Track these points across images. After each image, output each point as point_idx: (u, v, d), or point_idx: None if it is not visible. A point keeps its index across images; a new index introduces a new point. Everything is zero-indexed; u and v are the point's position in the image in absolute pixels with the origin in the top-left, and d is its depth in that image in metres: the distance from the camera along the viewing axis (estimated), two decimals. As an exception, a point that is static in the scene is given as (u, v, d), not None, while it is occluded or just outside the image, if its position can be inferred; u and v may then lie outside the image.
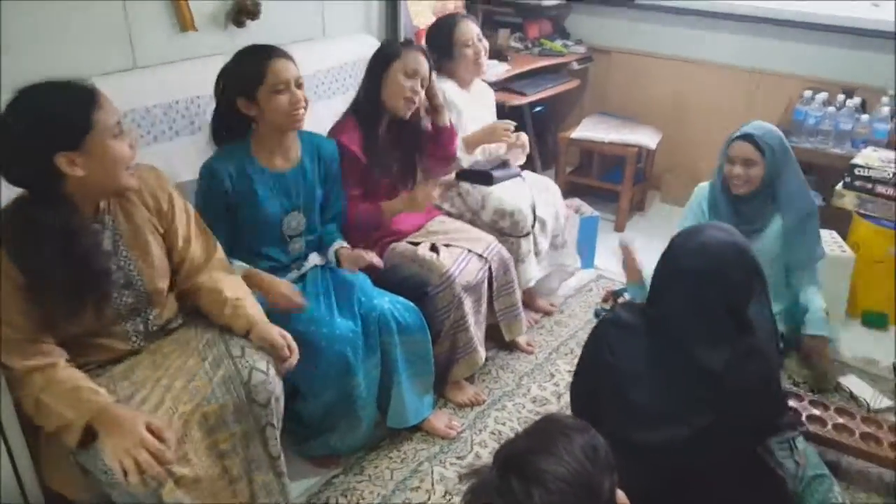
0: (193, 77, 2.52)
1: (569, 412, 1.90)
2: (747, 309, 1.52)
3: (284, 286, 1.88)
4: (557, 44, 3.82)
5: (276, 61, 1.88)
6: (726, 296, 1.50)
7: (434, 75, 2.38)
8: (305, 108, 1.93)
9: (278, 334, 1.66)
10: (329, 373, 1.88)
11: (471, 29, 2.63)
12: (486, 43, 2.67)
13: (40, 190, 1.45)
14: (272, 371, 1.62)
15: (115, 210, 1.59)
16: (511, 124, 2.61)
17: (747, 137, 2.16)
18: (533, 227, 2.57)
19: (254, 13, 2.76)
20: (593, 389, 1.63)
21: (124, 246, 1.60)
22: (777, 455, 1.58)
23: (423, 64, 2.25)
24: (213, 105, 2.55)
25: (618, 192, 3.56)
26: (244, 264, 1.93)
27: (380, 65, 2.25)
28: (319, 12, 3.14)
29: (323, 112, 2.90)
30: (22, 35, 2.13)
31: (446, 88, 2.57)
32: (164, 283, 1.67)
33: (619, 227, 3.56)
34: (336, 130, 2.27)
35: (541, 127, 3.98)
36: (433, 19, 3.62)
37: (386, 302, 2.02)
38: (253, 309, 1.70)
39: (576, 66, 3.80)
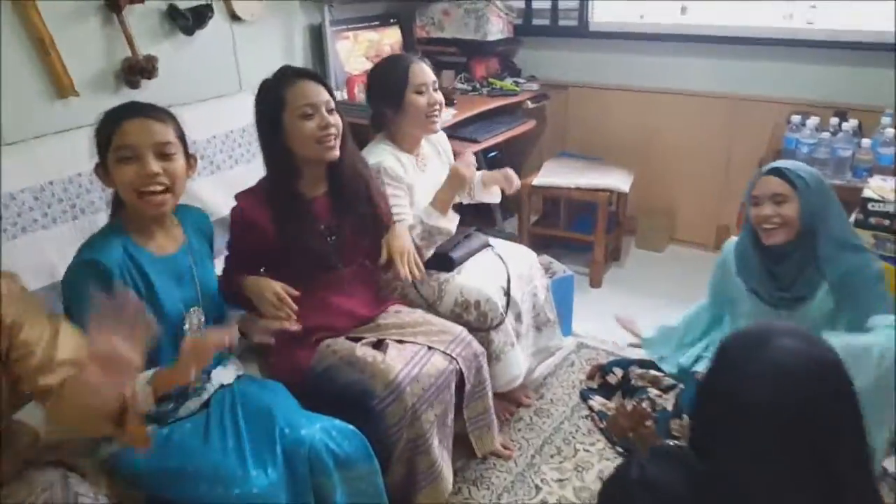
0: (74, 151, 2.08)
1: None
2: (839, 456, 1.04)
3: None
4: (508, 82, 3.46)
5: (127, 123, 1.47)
6: (813, 441, 1.00)
7: None
8: (162, 185, 1.48)
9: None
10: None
11: (426, 73, 2.14)
12: (441, 96, 2.18)
13: None
14: None
15: None
16: (471, 154, 2.17)
17: (774, 171, 1.79)
18: (506, 313, 2.12)
19: (150, 71, 2.35)
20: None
21: None
22: None
23: (322, 92, 1.78)
24: (97, 182, 2.12)
25: (589, 242, 3.16)
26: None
27: (268, 117, 1.79)
28: (233, 65, 2.74)
29: (239, 178, 2.47)
30: None
31: (386, 161, 2.07)
32: None
33: (595, 282, 3.16)
34: (239, 196, 1.83)
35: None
36: (368, 64, 3.24)
37: (317, 430, 1.54)
38: None
39: (530, 104, 3.43)
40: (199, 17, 2.52)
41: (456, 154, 2.33)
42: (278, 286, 1.72)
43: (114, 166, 1.47)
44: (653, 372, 2.27)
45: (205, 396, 1.59)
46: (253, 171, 2.53)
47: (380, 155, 2.10)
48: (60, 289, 1.50)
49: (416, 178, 2.17)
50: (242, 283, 1.76)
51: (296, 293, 1.72)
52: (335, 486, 1.53)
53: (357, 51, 3.29)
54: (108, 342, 1.13)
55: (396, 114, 2.13)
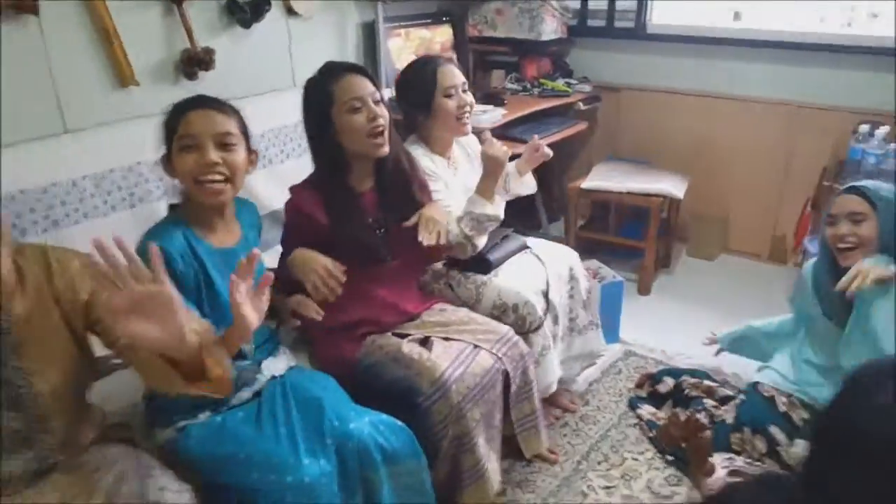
0: (134, 140, 2.12)
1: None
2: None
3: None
4: (560, 83, 3.42)
5: (192, 114, 1.50)
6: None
7: None
8: (221, 175, 1.48)
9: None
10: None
11: (455, 75, 2.12)
12: (471, 98, 2.15)
13: None
14: None
15: (12, 307, 1.21)
16: (498, 143, 2.08)
17: (853, 189, 1.72)
18: (545, 316, 2.08)
19: (207, 63, 2.37)
20: None
21: (15, 354, 1.21)
22: None
23: (368, 85, 1.78)
24: (156, 171, 2.16)
25: (638, 249, 3.10)
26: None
27: (316, 112, 1.79)
28: (287, 60, 2.76)
29: (291, 172, 2.49)
30: None
31: (420, 161, 2.05)
32: (69, 402, 1.30)
33: (644, 289, 3.09)
34: (295, 189, 1.85)
35: (544, 176, 3.54)
36: (415, 63, 3.24)
37: (365, 424, 1.53)
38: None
39: (582, 106, 3.38)
40: (256, 11, 2.54)
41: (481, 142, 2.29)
42: (328, 261, 1.71)
43: (176, 155, 1.49)
44: (707, 382, 2.22)
45: (256, 386, 1.59)
46: (304, 165, 2.52)
47: (413, 153, 2.09)
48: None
49: (448, 179, 2.15)
50: (290, 261, 1.76)
51: (343, 268, 1.71)
52: (382, 480, 1.53)
53: (408, 48, 3.28)
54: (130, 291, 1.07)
55: (427, 117, 2.12)
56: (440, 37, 3.45)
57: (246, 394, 1.58)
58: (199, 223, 1.54)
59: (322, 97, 1.77)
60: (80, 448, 1.34)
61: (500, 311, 2.04)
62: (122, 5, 2.16)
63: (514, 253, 2.21)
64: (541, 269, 2.16)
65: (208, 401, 1.50)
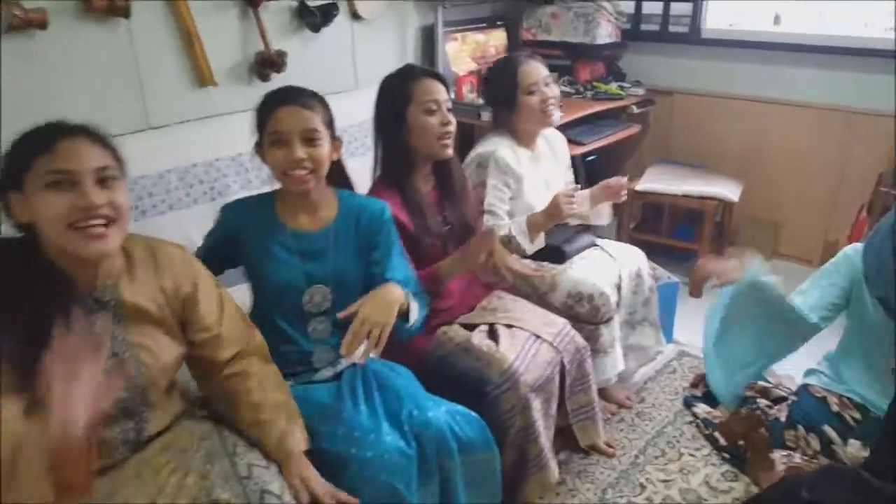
0: (212, 137, 2.24)
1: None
2: None
3: None
4: (613, 86, 3.47)
5: (280, 111, 1.60)
6: None
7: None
8: (307, 170, 1.57)
9: (326, 492, 1.35)
10: (374, 508, 1.47)
11: (536, 71, 2.21)
12: (555, 89, 2.25)
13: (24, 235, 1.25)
14: (287, 496, 1.33)
15: (121, 288, 1.31)
16: (573, 189, 2.18)
17: None
18: (617, 308, 2.14)
19: (280, 65, 2.48)
20: None
21: (122, 329, 1.30)
22: None
23: (443, 90, 1.87)
24: (233, 166, 2.26)
25: (689, 251, 3.13)
26: None
27: (391, 110, 1.88)
28: (350, 63, 2.86)
29: (357, 169, 2.57)
30: (28, 92, 1.93)
31: (499, 150, 2.16)
32: (166, 379, 1.38)
33: (695, 292, 3.11)
34: (371, 193, 1.93)
35: (594, 178, 3.59)
36: (473, 66, 3.32)
37: (443, 413, 1.60)
38: (289, 427, 1.41)
39: (635, 109, 3.42)
40: (325, 15, 2.63)
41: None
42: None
43: (267, 148, 1.59)
44: (760, 382, 2.25)
45: (338, 368, 1.68)
46: (365, 164, 2.59)
47: (495, 145, 2.19)
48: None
49: (529, 170, 2.23)
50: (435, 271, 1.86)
51: None
52: (457, 468, 1.59)
53: (464, 51, 3.36)
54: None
55: (511, 113, 2.22)
56: (494, 40, 3.52)
57: (328, 372, 1.67)
58: (284, 204, 1.66)
59: (399, 96, 1.85)
60: (170, 422, 1.41)
61: (575, 301, 2.10)
62: (203, 8, 2.27)
63: (584, 248, 2.29)
64: (613, 264, 2.23)
65: (292, 370, 1.63)
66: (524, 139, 2.27)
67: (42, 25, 1.88)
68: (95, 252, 1.21)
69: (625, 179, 2.32)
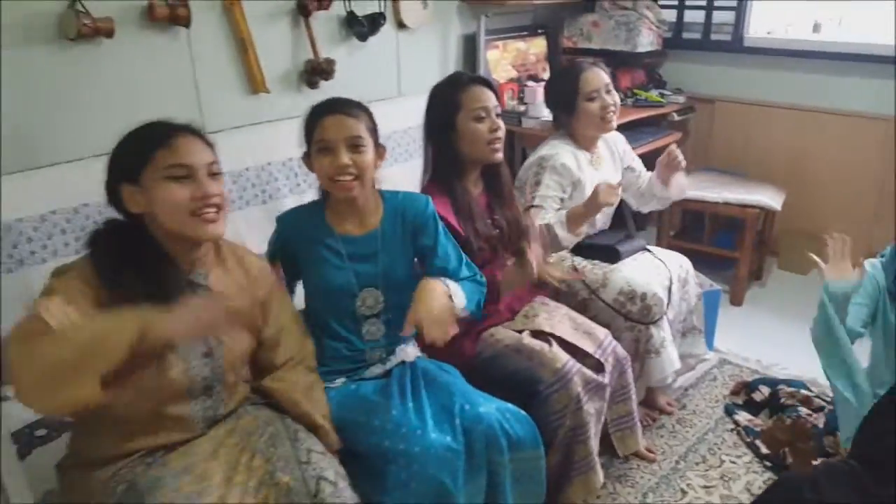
0: (264, 142, 2.31)
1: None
2: None
3: None
4: (654, 93, 3.48)
5: (327, 119, 1.67)
6: None
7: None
8: (352, 176, 1.63)
9: None
10: (420, 502, 1.51)
11: (598, 78, 2.26)
12: (615, 96, 2.29)
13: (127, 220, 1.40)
14: (342, 483, 1.40)
15: (211, 277, 1.45)
16: (615, 181, 2.22)
17: None
18: (667, 310, 2.16)
19: (328, 73, 2.54)
20: None
21: None
22: None
23: (493, 98, 1.92)
24: (283, 171, 2.33)
25: (730, 259, 3.12)
26: None
27: (441, 117, 1.94)
28: (395, 71, 2.92)
29: (400, 175, 2.65)
30: (94, 97, 2.02)
31: (561, 155, 2.22)
32: (242, 364, 1.52)
33: (736, 300, 3.12)
34: (427, 192, 1.98)
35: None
36: (513, 73, 3.36)
37: (494, 410, 1.63)
38: (324, 423, 1.53)
39: (676, 117, 3.43)
40: (373, 24, 2.69)
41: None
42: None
43: (314, 155, 1.66)
44: (804, 391, 2.25)
45: (388, 366, 1.73)
46: (407, 170, 2.68)
47: (556, 148, 2.25)
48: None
49: (589, 174, 2.27)
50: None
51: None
52: (505, 465, 1.62)
53: (505, 59, 3.40)
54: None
55: (571, 118, 2.28)
56: (535, 48, 3.55)
57: (378, 369, 1.72)
58: (333, 210, 1.72)
59: (449, 104, 1.90)
60: (235, 406, 1.50)
61: (627, 298, 2.11)
62: (258, 17, 2.35)
63: (635, 251, 2.31)
64: (663, 268, 2.26)
65: (344, 367, 1.70)
66: (584, 143, 2.32)
67: (109, 34, 1.97)
68: (212, 234, 1.37)
69: (673, 146, 2.37)
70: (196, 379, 1.39)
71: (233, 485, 1.32)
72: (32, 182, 1.84)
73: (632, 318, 2.08)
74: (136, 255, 1.34)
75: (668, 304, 2.17)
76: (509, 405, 1.67)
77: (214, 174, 1.38)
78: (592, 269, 2.21)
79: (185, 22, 2.13)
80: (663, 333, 2.14)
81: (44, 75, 1.91)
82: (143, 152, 1.32)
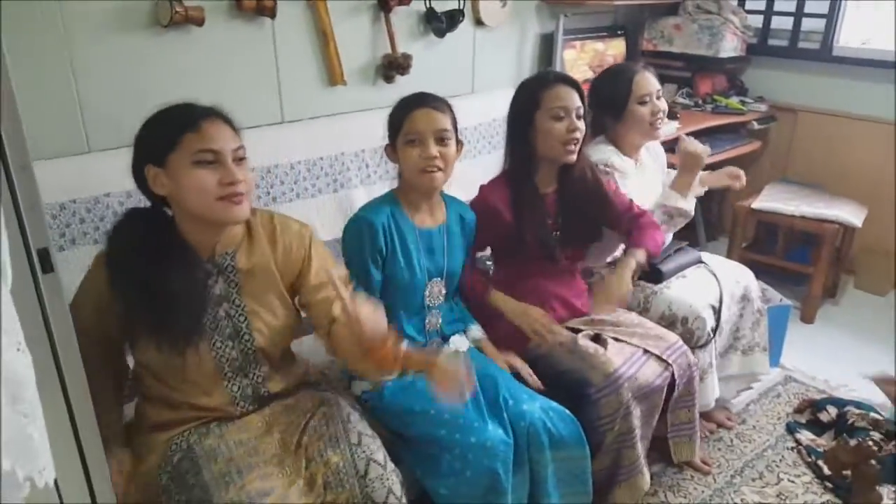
0: (339, 133, 2.38)
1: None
2: None
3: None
4: (734, 100, 3.39)
5: (416, 112, 1.70)
6: None
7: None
8: (439, 168, 1.69)
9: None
10: (473, 491, 1.54)
11: (651, 82, 2.21)
12: (664, 103, 2.24)
13: (153, 205, 1.42)
14: (390, 465, 1.45)
15: (238, 254, 1.45)
16: (697, 142, 2.18)
17: None
18: (714, 333, 2.10)
19: (405, 67, 2.59)
20: None
21: (238, 294, 1.45)
22: None
23: (575, 98, 1.91)
24: (356, 162, 2.39)
25: (803, 275, 3.02)
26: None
27: (521, 113, 1.95)
28: (469, 67, 2.94)
29: (470, 171, 2.68)
30: (182, 82, 2.10)
31: (609, 156, 2.19)
32: (278, 344, 1.52)
33: (808, 318, 3.01)
34: (484, 187, 2.01)
35: (707, 193, 3.51)
36: (589, 74, 3.33)
37: (537, 408, 1.66)
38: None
39: (756, 125, 3.34)
40: (451, 21, 2.72)
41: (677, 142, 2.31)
42: (541, 314, 1.87)
43: (402, 147, 1.70)
44: (874, 415, 2.17)
45: (444, 356, 1.77)
46: (476, 166, 2.71)
47: (604, 153, 2.21)
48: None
49: (633, 181, 2.22)
50: (494, 300, 1.92)
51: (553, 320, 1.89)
52: (547, 463, 1.64)
53: (581, 59, 3.38)
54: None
55: (619, 122, 2.23)
56: (613, 49, 3.52)
57: (434, 360, 1.76)
58: (408, 204, 1.76)
59: (530, 101, 1.92)
60: (287, 386, 1.55)
61: (668, 323, 2.08)
62: (340, 10, 2.41)
63: (686, 266, 2.25)
64: (714, 284, 2.19)
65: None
66: (627, 148, 2.26)
67: (199, 22, 2.06)
68: (238, 217, 1.37)
69: (742, 175, 2.39)
70: (223, 361, 1.44)
71: (283, 462, 1.38)
72: (118, 160, 1.93)
73: None
74: (157, 240, 1.36)
75: (716, 324, 2.11)
76: (553, 403, 1.69)
77: (240, 159, 1.38)
78: (634, 290, 2.12)
79: (271, 13, 2.21)
80: (707, 358, 2.08)
81: (137, 59, 2.01)
82: (171, 135, 1.32)
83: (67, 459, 1.02)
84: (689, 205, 2.13)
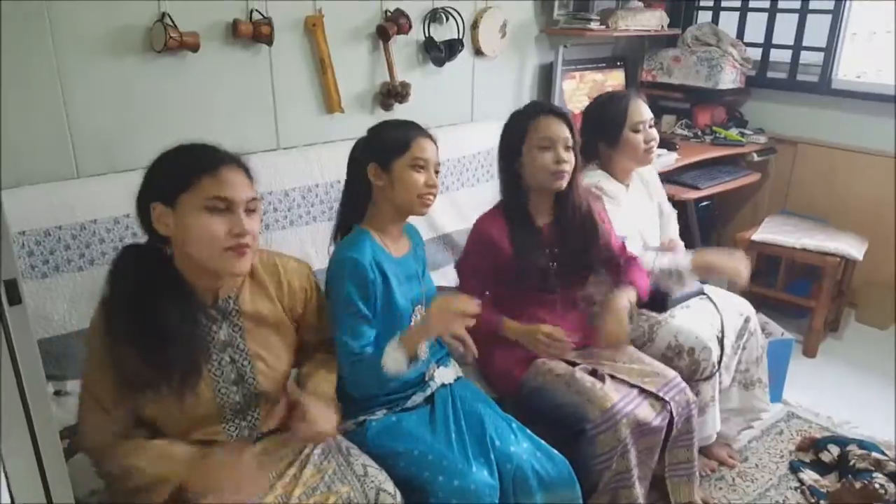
0: (334, 161, 2.35)
1: None
2: None
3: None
4: (734, 132, 3.38)
5: (422, 139, 1.68)
6: None
7: None
8: (435, 196, 1.69)
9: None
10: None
11: (645, 110, 2.21)
12: (656, 133, 2.23)
13: (150, 241, 1.36)
14: (399, 497, 1.43)
15: (241, 297, 1.42)
16: (649, 214, 2.20)
17: None
18: (718, 365, 2.06)
19: (403, 96, 2.58)
20: None
21: (242, 338, 1.41)
22: None
23: (563, 129, 1.87)
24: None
25: (804, 308, 2.98)
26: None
27: (510, 144, 1.93)
28: (468, 97, 2.94)
29: (464, 200, 2.66)
30: (176, 108, 2.09)
31: (599, 180, 2.18)
32: (279, 386, 1.49)
33: (810, 352, 2.96)
34: (480, 219, 1.98)
35: (707, 225, 3.50)
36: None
37: (524, 450, 1.60)
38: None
39: (756, 157, 3.32)
40: (451, 50, 2.72)
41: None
42: (544, 327, 1.84)
43: (404, 171, 1.64)
44: (876, 455, 2.11)
45: (428, 392, 1.71)
46: (477, 194, 2.69)
47: (596, 177, 2.19)
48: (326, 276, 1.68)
49: (624, 207, 2.20)
50: (499, 324, 1.89)
51: (562, 331, 1.85)
52: (537, 505, 1.58)
53: (580, 90, 3.38)
54: None
55: (612, 148, 2.21)
56: (612, 80, 3.51)
57: (419, 398, 1.70)
58: (381, 235, 1.70)
59: (518, 131, 1.90)
60: (280, 424, 1.49)
61: (675, 353, 2.03)
62: (339, 39, 2.40)
63: (690, 297, 2.21)
64: (716, 315, 2.15)
65: (386, 399, 1.67)
66: (620, 175, 2.25)
67: (195, 48, 2.05)
68: (240, 271, 1.33)
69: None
70: (225, 405, 1.40)
71: (272, 492, 1.35)
72: (107, 186, 1.91)
73: (681, 375, 1.95)
74: (154, 282, 1.30)
75: (720, 356, 2.06)
76: (542, 443, 1.64)
77: (252, 211, 1.32)
78: (638, 320, 2.10)
79: (268, 40, 2.20)
80: (712, 391, 2.03)
81: (129, 84, 2.00)
82: (187, 175, 1.27)
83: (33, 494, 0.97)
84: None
